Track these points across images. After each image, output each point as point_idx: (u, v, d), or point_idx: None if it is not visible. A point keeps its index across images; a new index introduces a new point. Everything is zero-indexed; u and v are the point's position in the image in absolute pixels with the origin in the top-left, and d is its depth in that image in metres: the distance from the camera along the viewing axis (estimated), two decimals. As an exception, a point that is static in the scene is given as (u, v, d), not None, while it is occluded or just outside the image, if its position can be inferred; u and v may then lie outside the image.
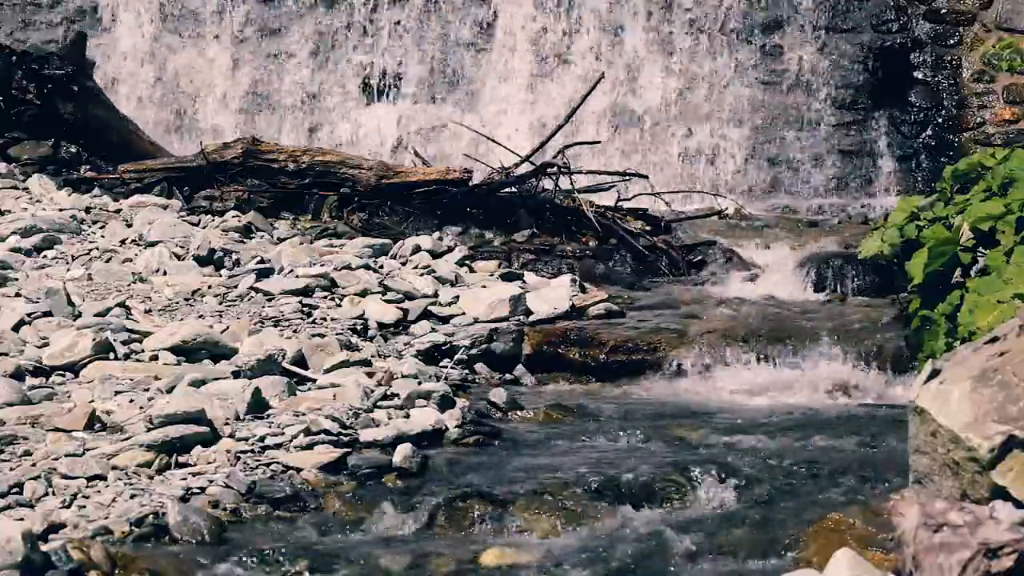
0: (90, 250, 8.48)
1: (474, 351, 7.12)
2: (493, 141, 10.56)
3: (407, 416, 5.78)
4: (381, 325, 7.33)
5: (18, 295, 7.28)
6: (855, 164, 11.83)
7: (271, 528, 4.65)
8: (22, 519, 4.40)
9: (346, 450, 5.27)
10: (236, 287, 7.80)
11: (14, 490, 4.71)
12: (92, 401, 5.70)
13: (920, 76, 11.88)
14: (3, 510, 4.55)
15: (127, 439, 5.20)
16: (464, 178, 9.80)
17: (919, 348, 6.65)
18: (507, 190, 9.85)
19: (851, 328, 7.36)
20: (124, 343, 6.49)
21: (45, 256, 8.35)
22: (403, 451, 5.25)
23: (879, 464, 5.26)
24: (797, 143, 11.86)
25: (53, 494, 4.72)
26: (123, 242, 8.74)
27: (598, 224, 9.42)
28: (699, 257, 9.35)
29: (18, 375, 6.01)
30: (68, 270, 8.01)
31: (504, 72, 12.17)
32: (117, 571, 4.15)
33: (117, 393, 5.85)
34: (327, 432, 5.39)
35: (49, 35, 12.47)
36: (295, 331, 6.97)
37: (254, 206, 9.71)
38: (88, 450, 5.11)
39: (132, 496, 4.72)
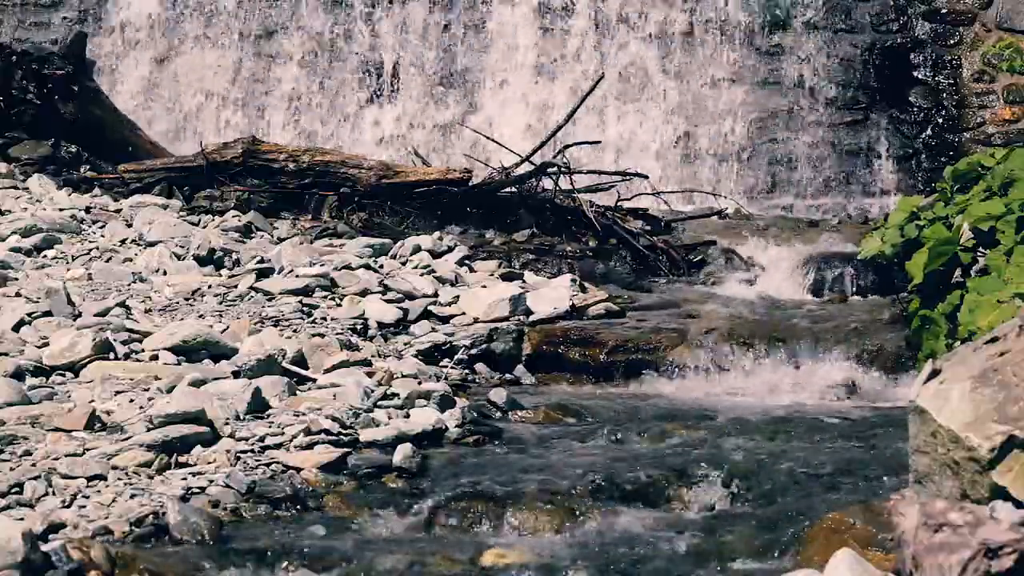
0: (90, 250, 8.49)
1: (474, 351, 7.12)
2: (493, 141, 10.57)
3: (407, 416, 5.78)
4: (381, 325, 7.33)
5: (18, 295, 7.28)
6: (855, 164, 11.84)
7: (271, 528, 4.65)
8: (22, 519, 4.40)
9: (346, 450, 5.27)
10: (236, 287, 7.80)
11: (14, 490, 4.71)
12: (92, 401, 5.70)
13: (920, 76, 11.88)
14: (3, 510, 4.54)
15: (127, 439, 5.20)
16: (464, 178, 9.80)
17: (919, 348, 6.65)
18: (507, 190, 9.85)
19: (851, 328, 7.36)
20: (124, 343, 6.49)
21: (45, 256, 8.35)
22: (403, 451, 5.25)
23: (879, 464, 5.26)
24: (797, 143, 11.87)
25: (53, 494, 4.72)
26: (123, 242, 8.74)
27: (598, 224, 9.42)
28: (699, 257, 9.35)
29: (18, 375, 6.01)
30: (68, 270, 8.01)
31: (504, 72, 12.17)
32: (117, 571, 4.15)
33: (117, 393, 5.85)
34: (327, 432, 5.38)
35: (49, 35, 12.47)
36: (295, 331, 6.97)
37: (254, 206, 9.71)
38: (88, 450, 5.10)
39: (132, 496, 4.72)
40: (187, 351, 6.43)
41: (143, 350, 6.48)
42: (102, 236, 8.87)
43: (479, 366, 7.07)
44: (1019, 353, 3.76)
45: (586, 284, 8.24)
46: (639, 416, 6.21)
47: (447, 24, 12.27)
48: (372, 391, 5.97)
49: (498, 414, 6.20)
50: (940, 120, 11.80)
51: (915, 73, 11.89)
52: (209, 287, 7.80)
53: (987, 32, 11.86)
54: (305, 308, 7.42)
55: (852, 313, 7.82)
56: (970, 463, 3.66)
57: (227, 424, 5.43)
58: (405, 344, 7.12)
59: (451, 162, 11.15)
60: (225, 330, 6.80)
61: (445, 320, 7.54)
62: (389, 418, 5.73)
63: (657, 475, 5.07)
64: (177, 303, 7.47)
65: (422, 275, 8.11)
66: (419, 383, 6.28)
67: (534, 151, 10.03)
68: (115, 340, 6.43)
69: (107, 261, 8.28)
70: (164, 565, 4.23)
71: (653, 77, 12.02)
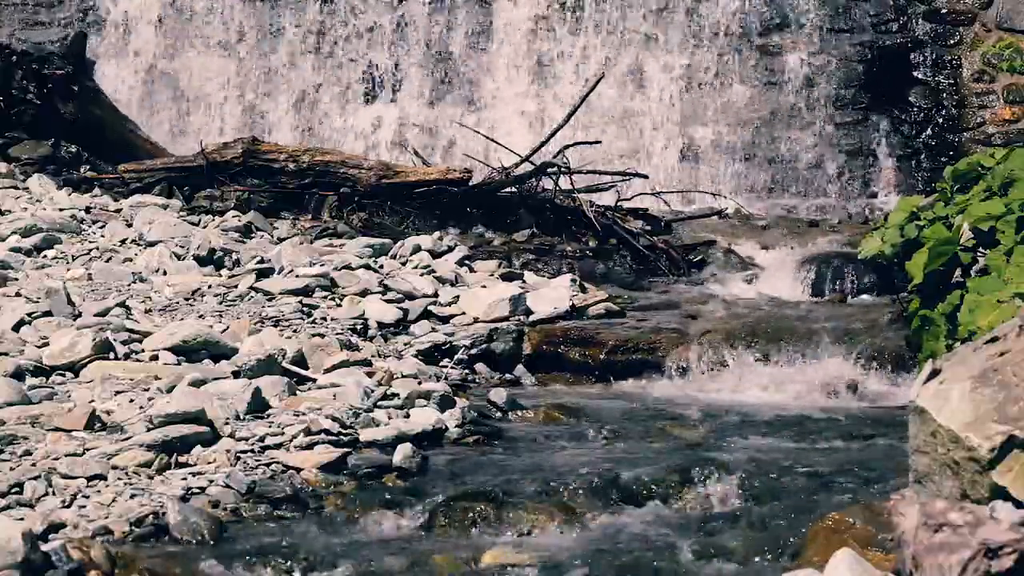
0: (90, 250, 8.49)
1: (474, 351, 7.12)
2: (493, 141, 10.57)
3: (407, 416, 5.78)
4: (381, 325, 7.33)
5: (18, 295, 7.28)
6: (855, 164, 11.83)
7: (271, 528, 4.65)
8: (22, 519, 4.40)
9: (346, 450, 5.27)
10: (236, 287, 7.80)
11: (14, 490, 4.71)
12: (92, 401, 5.70)
13: (920, 76, 11.88)
14: (3, 510, 4.55)
15: (127, 439, 5.20)
16: (464, 178, 9.80)
17: (919, 348, 6.64)
18: (507, 190, 9.84)
19: (851, 328, 7.36)
20: (124, 343, 6.49)
21: (45, 256, 8.35)
22: (403, 451, 5.25)
23: (879, 464, 5.27)
24: (797, 143, 11.86)
25: (53, 494, 4.72)
26: (123, 242, 8.74)
27: (598, 224, 9.42)
28: (699, 257, 9.35)
29: (18, 375, 6.01)
30: (68, 270, 8.01)
31: (504, 71, 12.17)
32: (117, 571, 4.15)
33: (117, 393, 5.85)
34: (327, 432, 5.39)
35: (49, 35, 12.46)
36: (295, 331, 6.97)
37: (254, 206, 9.71)
38: (88, 450, 5.10)
39: (132, 496, 4.73)
40: (187, 351, 6.43)
41: (143, 350, 6.48)
42: (102, 236, 8.87)
43: (479, 366, 7.07)
44: (1019, 353, 3.76)
45: (586, 284, 8.24)
46: (639, 416, 6.21)
47: (448, 24, 12.27)
48: (372, 391, 5.97)
49: (498, 414, 6.20)
50: (940, 120, 11.80)
51: (915, 73, 11.89)
52: (209, 287, 7.80)
53: (987, 32, 11.86)
54: (305, 308, 7.41)
55: (852, 313, 7.82)
56: (970, 463, 3.66)
57: (227, 424, 5.44)
58: (405, 344, 7.13)
59: (451, 162, 11.15)
60: (225, 330, 6.80)
61: (445, 320, 7.54)
62: (389, 418, 5.73)
63: (657, 475, 5.07)
64: (177, 303, 7.47)
65: (422, 275, 8.11)
66: (419, 383, 6.28)
67: (534, 151, 10.03)
68: (115, 340, 6.43)
69: (107, 261, 8.28)
70: (164, 565, 4.24)
71: (654, 76, 12.01)
